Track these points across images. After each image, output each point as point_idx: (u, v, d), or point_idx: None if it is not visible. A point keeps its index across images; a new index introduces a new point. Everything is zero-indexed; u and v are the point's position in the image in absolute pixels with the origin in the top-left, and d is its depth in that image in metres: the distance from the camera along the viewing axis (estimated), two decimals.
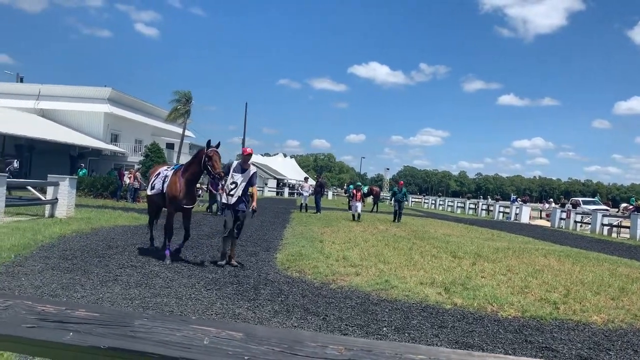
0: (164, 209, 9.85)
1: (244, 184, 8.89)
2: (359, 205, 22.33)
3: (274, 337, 1.07)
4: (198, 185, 20.98)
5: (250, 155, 9.39)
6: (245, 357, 1.03)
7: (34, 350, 1.21)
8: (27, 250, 8.77)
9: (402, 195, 23.63)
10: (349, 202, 24.83)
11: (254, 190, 9.60)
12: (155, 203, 9.89)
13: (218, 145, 9.00)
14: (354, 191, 23.27)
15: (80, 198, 21.47)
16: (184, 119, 47.68)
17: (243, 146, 56.98)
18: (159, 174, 9.52)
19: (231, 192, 8.87)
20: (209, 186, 20.70)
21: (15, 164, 23.79)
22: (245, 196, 9.05)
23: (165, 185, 9.06)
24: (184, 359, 1.06)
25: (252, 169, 9.11)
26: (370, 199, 35.11)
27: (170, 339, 1.09)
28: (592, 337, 5.71)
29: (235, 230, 9.00)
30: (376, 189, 36.79)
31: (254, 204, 9.54)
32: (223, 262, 8.79)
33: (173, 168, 9.53)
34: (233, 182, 8.86)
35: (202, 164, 8.76)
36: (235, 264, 8.85)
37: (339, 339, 1.05)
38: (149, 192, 9.63)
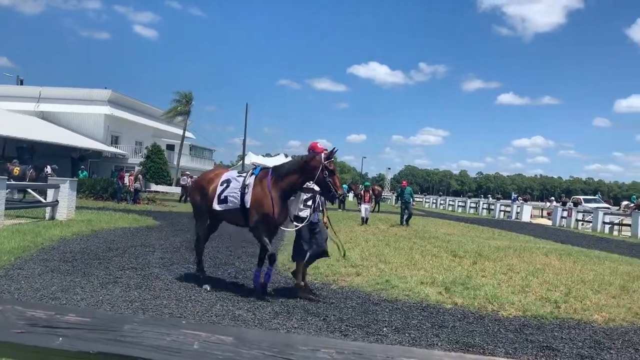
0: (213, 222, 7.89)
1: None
2: (368, 208, 20.51)
3: (265, 341, 1.06)
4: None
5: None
6: None
7: (23, 356, 1.20)
8: (27, 252, 8.76)
9: (408, 195, 21.23)
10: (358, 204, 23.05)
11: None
12: (217, 220, 7.71)
13: (332, 154, 6.79)
14: (362, 192, 21.54)
15: (80, 200, 21.47)
16: (183, 119, 47.69)
17: (244, 147, 56.97)
18: (225, 182, 7.07)
19: (308, 203, 7.07)
20: None
21: (48, 169, 23.57)
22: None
23: (248, 197, 6.74)
24: None
25: None
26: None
27: (160, 344, 1.08)
28: (593, 335, 5.69)
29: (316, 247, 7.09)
30: (378, 188, 36.66)
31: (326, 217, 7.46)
32: (310, 295, 6.89)
33: (241, 174, 7.23)
34: (309, 189, 7.11)
35: (313, 176, 6.60)
36: (311, 296, 6.97)
37: (331, 343, 1.04)
38: (217, 207, 7.00)
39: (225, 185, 7.02)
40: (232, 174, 7.32)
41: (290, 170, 6.78)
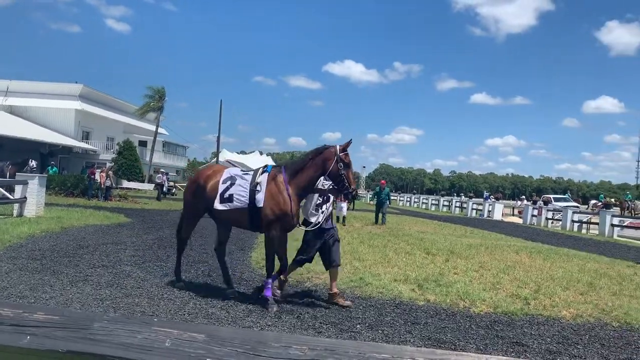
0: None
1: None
2: (344, 206, 19.58)
3: (237, 338, 1.05)
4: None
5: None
6: (207, 359, 1.02)
7: None
8: None
9: (385, 196, 20.84)
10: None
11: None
12: (225, 221, 6.80)
13: (348, 146, 6.38)
14: None
15: (50, 197, 21.05)
16: (156, 115, 47.14)
17: (218, 144, 56.48)
18: (228, 179, 6.42)
19: (322, 208, 6.61)
20: None
21: (32, 163, 22.82)
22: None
23: (260, 196, 6.13)
24: None
25: None
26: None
27: (131, 342, 1.07)
28: (562, 331, 5.82)
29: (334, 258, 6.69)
30: None
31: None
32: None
33: (247, 172, 6.62)
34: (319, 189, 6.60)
35: (327, 168, 6.17)
36: (347, 303, 6.52)
37: (303, 339, 1.04)
38: (220, 206, 6.30)
39: (229, 183, 6.35)
40: (234, 171, 6.66)
41: (305, 165, 6.26)
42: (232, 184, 6.33)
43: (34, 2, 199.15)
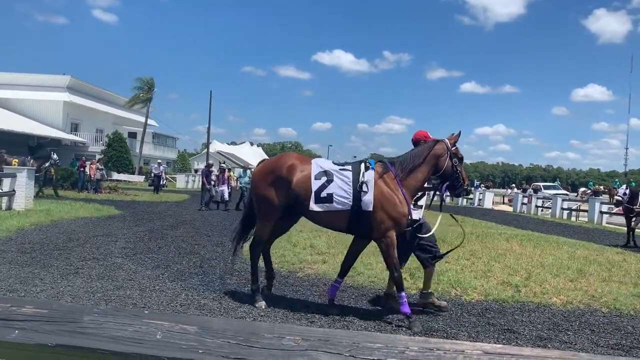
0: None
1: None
2: None
3: (229, 329, 1.04)
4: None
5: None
6: (200, 351, 1.01)
7: None
8: None
9: None
10: None
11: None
12: (290, 221, 6.19)
13: (458, 138, 5.85)
14: None
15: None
16: (146, 106, 46.83)
17: (209, 135, 56.29)
18: (322, 175, 5.50)
19: (419, 202, 6.13)
20: (204, 178, 19.88)
21: (54, 155, 22.58)
22: None
23: (368, 197, 5.32)
24: (136, 354, 1.02)
25: None
26: None
27: (121, 334, 1.05)
28: (552, 318, 5.87)
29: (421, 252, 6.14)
30: None
31: None
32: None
33: (344, 167, 5.61)
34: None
35: (441, 166, 5.61)
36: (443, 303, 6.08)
37: (296, 330, 1.04)
38: (316, 207, 5.42)
39: (324, 179, 5.45)
40: (325, 164, 5.69)
41: (418, 162, 5.55)
42: (328, 181, 5.44)
43: None
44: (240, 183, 21.32)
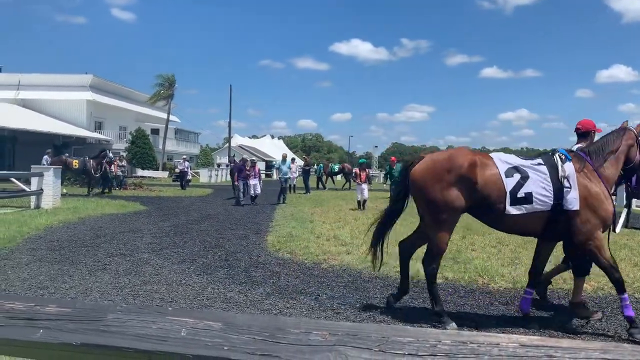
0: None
1: None
2: (365, 188, 17.49)
3: (254, 325, 1.02)
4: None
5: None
6: (225, 348, 0.98)
7: (3, 350, 1.15)
8: (13, 242, 8.65)
9: (399, 172, 18.75)
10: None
11: None
12: (518, 227, 4.99)
13: None
14: (357, 170, 18.42)
15: (66, 187, 21.27)
16: (167, 103, 47.25)
17: (230, 129, 56.54)
18: (513, 170, 4.82)
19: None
20: (237, 172, 19.08)
21: (110, 154, 23.19)
22: None
23: (572, 195, 4.65)
24: (160, 352, 1.00)
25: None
26: (340, 177, 35.44)
27: (145, 332, 1.03)
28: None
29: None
30: (347, 166, 36.90)
31: None
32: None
33: (537, 161, 4.94)
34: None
35: (632, 158, 5.07)
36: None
37: (323, 324, 1.00)
38: (514, 211, 4.71)
39: (517, 176, 4.73)
40: (512, 159, 5.01)
41: (611, 152, 4.95)
42: (524, 178, 4.72)
43: None
44: (280, 174, 20.71)
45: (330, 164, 36.39)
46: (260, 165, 65.31)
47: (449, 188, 4.79)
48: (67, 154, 22.18)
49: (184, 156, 32.69)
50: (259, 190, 19.13)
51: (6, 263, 7.14)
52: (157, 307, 1.14)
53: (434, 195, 4.87)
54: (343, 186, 33.35)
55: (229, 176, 45.34)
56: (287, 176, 20.83)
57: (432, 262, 5.14)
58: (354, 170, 19.92)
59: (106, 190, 22.22)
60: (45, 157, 22.61)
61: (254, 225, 12.15)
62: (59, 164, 20.72)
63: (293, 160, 30.48)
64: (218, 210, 15.95)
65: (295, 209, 16.63)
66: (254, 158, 22.48)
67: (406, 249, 5.67)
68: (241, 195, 18.29)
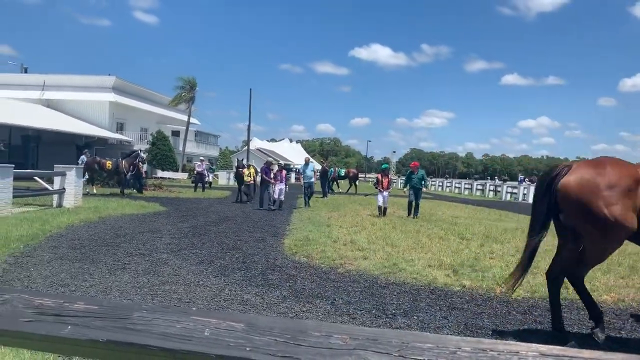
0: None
1: None
2: (386, 195, 16.42)
3: (276, 327, 1.03)
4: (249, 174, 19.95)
5: None
6: (247, 348, 1.00)
7: (32, 345, 1.19)
8: (36, 240, 8.81)
9: (419, 180, 16.42)
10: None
11: None
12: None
13: None
14: (379, 176, 16.90)
15: (96, 188, 21.62)
16: (188, 106, 47.71)
17: (249, 132, 56.87)
18: None
19: None
20: (263, 175, 18.54)
21: (142, 154, 23.78)
22: None
23: None
24: (184, 351, 1.03)
25: None
26: (345, 181, 36.09)
27: (170, 331, 1.06)
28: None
29: None
30: (353, 170, 37.29)
31: None
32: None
33: None
34: None
35: None
36: None
37: (344, 328, 1.02)
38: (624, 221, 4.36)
39: None
40: None
41: None
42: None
43: None
44: (305, 178, 20.08)
45: (337, 169, 36.85)
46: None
47: (619, 202, 4.37)
48: (99, 156, 22.72)
49: (201, 158, 32.88)
50: (283, 196, 18.33)
51: (29, 260, 7.27)
52: (182, 307, 1.16)
53: (602, 210, 4.39)
54: (348, 190, 34.11)
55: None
56: (312, 180, 20.37)
57: (580, 276, 4.90)
58: (376, 176, 18.72)
59: (136, 190, 22.58)
60: (82, 157, 23.09)
61: (271, 228, 12.20)
62: (93, 164, 21.20)
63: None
64: (236, 212, 16.04)
65: (312, 213, 16.65)
66: (280, 161, 22.17)
67: (558, 278, 5.08)
68: (262, 199, 17.81)
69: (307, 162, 20.99)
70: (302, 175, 21.52)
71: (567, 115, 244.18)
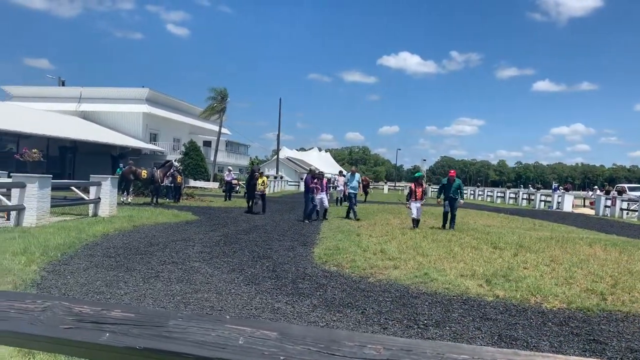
0: None
1: None
2: (420, 207, 15.21)
3: (309, 336, 1.04)
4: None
5: None
6: (281, 357, 1.01)
7: (70, 351, 1.22)
8: (72, 248, 9.02)
9: (455, 190, 15.43)
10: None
11: None
12: None
13: None
14: (413, 186, 15.54)
15: (131, 197, 22.06)
16: (219, 116, 48.36)
17: (278, 142, 57.26)
18: None
19: None
20: (306, 185, 17.73)
21: (176, 163, 24.32)
22: None
23: None
24: (219, 359, 1.04)
25: None
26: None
27: (205, 339, 1.07)
28: None
29: None
30: (366, 178, 37.37)
31: None
32: None
33: None
34: None
35: None
36: None
37: (377, 338, 1.01)
38: None
39: None
40: None
41: None
42: None
43: (98, 12, 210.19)
44: (350, 189, 19.37)
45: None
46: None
47: None
48: (132, 162, 23.23)
49: (229, 167, 33.28)
50: (326, 204, 18.12)
51: (66, 268, 7.45)
52: (216, 316, 1.17)
53: None
54: (365, 199, 33.80)
55: (277, 187, 45.90)
56: (356, 191, 19.90)
57: None
58: (408, 186, 17.57)
59: (172, 200, 23.01)
60: (126, 166, 23.65)
61: (301, 237, 12.22)
62: (129, 174, 21.65)
63: (340, 173, 30.52)
64: (266, 221, 16.13)
65: (342, 222, 16.62)
66: (321, 171, 21.78)
67: None
68: (305, 212, 17.16)
69: (353, 173, 20.51)
70: (346, 186, 20.97)
71: (602, 122, 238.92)
